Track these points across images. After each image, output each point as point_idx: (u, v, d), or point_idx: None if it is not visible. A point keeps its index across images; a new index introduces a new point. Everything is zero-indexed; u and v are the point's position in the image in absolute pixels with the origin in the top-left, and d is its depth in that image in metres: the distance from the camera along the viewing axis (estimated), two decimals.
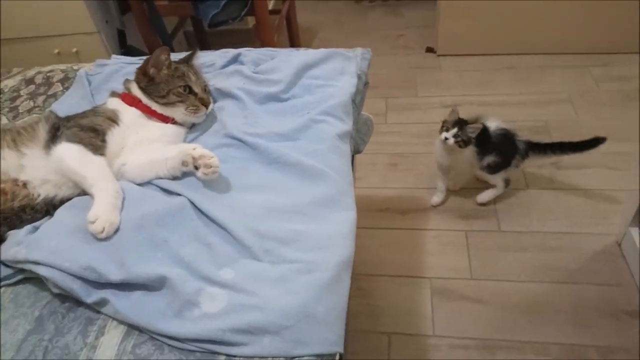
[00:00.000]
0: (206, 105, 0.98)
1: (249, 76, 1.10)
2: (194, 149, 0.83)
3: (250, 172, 0.88)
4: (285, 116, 1.01)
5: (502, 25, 2.39)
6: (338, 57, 1.17)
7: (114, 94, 1.00)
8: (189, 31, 2.84)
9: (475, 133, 1.52)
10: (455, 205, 1.77)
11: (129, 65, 1.22)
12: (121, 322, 0.70)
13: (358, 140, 1.33)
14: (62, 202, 0.84)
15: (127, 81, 1.01)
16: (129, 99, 0.96)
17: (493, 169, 1.65)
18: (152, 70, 0.96)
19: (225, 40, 2.58)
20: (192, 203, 0.79)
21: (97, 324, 0.70)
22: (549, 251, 1.58)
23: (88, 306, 0.72)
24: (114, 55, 1.31)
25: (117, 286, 0.71)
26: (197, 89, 0.98)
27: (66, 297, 0.73)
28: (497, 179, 1.70)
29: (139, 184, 0.86)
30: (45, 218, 0.83)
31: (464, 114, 1.58)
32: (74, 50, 2.12)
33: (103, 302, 0.70)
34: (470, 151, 1.57)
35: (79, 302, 0.72)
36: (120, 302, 0.69)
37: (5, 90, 1.27)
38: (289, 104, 1.04)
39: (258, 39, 2.14)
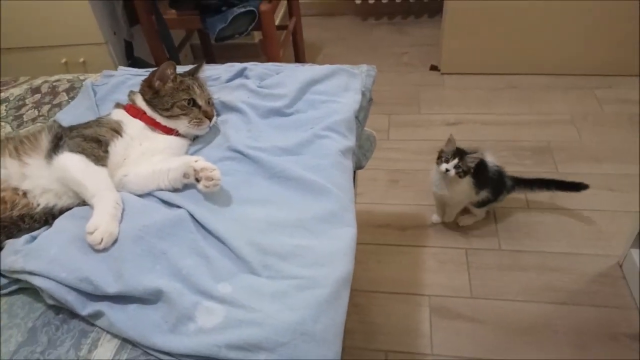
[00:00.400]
0: (210, 118, 0.99)
1: (254, 90, 1.11)
2: (196, 161, 0.84)
3: (252, 186, 0.88)
4: (288, 131, 1.02)
5: (506, 45, 2.41)
6: (343, 73, 1.18)
7: (118, 105, 1.01)
8: (196, 44, 2.87)
9: (475, 163, 1.52)
10: (456, 223, 1.77)
11: (135, 77, 1.23)
12: (115, 335, 0.69)
13: (360, 156, 1.33)
14: (62, 211, 0.84)
15: (131, 93, 1.02)
16: (134, 111, 0.97)
17: (483, 204, 1.67)
18: (157, 83, 0.98)
19: (231, 54, 2.61)
20: (192, 216, 0.80)
21: (90, 337, 0.69)
22: (549, 271, 1.57)
23: (82, 318, 0.71)
24: (120, 67, 1.32)
25: (113, 298, 0.70)
26: (201, 102, 0.99)
27: (60, 309, 0.73)
28: (482, 211, 1.72)
29: (140, 195, 0.86)
30: (44, 228, 0.83)
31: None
32: (81, 60, 2.14)
33: (98, 315, 0.70)
34: (467, 183, 1.57)
35: (73, 314, 0.72)
36: (115, 314, 0.69)
37: (11, 99, 1.28)
38: (293, 118, 1.05)
39: (264, 53, 2.17)
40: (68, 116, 1.12)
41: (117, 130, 0.91)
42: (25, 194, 0.83)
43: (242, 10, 1.91)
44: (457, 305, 1.51)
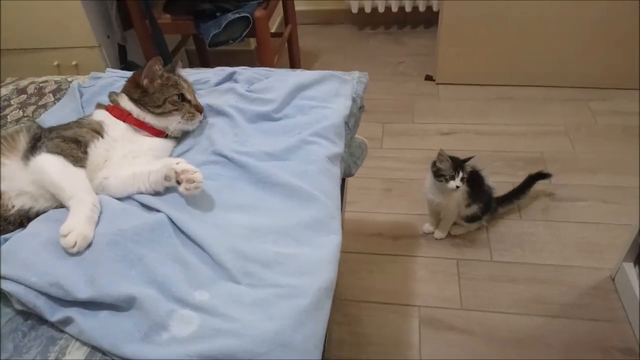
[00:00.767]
0: (200, 112, 1.00)
1: (242, 94, 1.09)
2: (177, 163, 0.82)
3: (236, 191, 0.86)
4: (276, 136, 1.00)
5: (501, 56, 2.41)
6: (334, 79, 1.17)
7: (100, 106, 0.99)
8: (192, 50, 2.86)
9: (471, 166, 1.51)
10: (447, 232, 1.75)
11: (123, 78, 1.20)
12: (85, 343, 0.66)
13: (350, 163, 1.31)
14: (38, 214, 0.81)
15: (113, 94, 1.00)
16: (117, 112, 0.95)
17: (472, 219, 1.66)
18: (145, 82, 0.96)
19: (226, 61, 2.59)
20: (172, 220, 0.77)
21: (59, 344, 0.67)
22: (541, 283, 1.55)
23: (52, 325, 0.69)
24: (108, 69, 1.31)
25: (84, 305, 0.67)
26: (190, 97, 0.99)
27: (30, 314, 0.70)
28: (471, 225, 1.72)
29: (119, 199, 0.84)
30: (17, 230, 0.80)
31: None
32: (74, 63, 2.12)
33: (67, 321, 0.67)
34: (462, 192, 1.56)
35: (43, 320, 0.69)
36: (86, 321, 0.66)
37: None
38: (281, 123, 1.03)
39: (259, 60, 2.16)
40: (53, 117, 1.09)
41: (97, 131, 0.89)
42: None
43: (237, 16, 1.90)
44: (448, 316, 1.48)
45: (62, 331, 0.69)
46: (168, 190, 0.85)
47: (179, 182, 0.81)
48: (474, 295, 1.53)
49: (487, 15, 2.29)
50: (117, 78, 1.22)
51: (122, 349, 0.62)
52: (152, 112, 0.95)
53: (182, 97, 0.98)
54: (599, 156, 2.01)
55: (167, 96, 0.95)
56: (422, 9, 2.97)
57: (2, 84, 1.34)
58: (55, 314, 0.67)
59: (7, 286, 0.69)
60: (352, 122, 1.17)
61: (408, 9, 2.98)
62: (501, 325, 1.45)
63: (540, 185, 1.89)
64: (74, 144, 0.84)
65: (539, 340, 1.39)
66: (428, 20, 3.14)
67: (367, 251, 1.72)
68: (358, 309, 1.53)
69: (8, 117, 1.19)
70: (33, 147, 0.83)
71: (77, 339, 0.67)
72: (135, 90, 0.97)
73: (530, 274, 1.58)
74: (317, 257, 0.76)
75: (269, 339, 0.62)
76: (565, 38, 2.28)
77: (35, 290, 0.68)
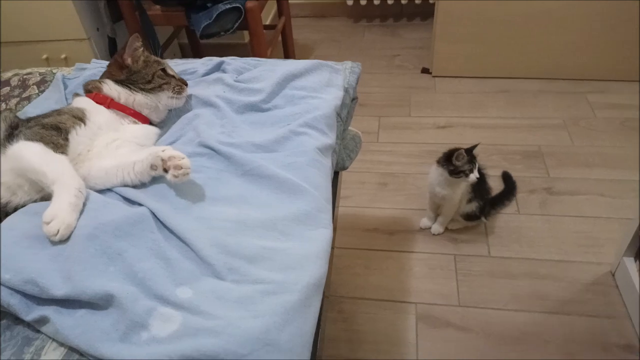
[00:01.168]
0: (186, 84, 1.01)
1: (230, 84, 1.05)
2: (163, 150, 0.78)
3: (223, 184, 0.82)
4: (264, 127, 0.96)
5: (498, 48, 2.37)
6: (325, 68, 1.13)
7: (77, 94, 0.95)
8: (184, 43, 2.82)
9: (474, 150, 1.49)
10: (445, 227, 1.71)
11: None
12: (61, 343, 0.63)
13: (344, 156, 1.28)
14: (16, 209, 0.77)
15: (92, 82, 0.96)
16: (100, 98, 0.92)
17: (469, 217, 1.64)
18: (129, 60, 0.96)
19: (220, 54, 2.54)
20: (155, 214, 0.74)
21: (34, 345, 0.63)
22: (540, 279, 1.52)
23: (28, 324, 0.65)
24: (94, 60, 1.27)
25: (61, 303, 0.64)
26: (171, 72, 1.00)
27: (5, 314, 0.66)
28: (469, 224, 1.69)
29: (100, 191, 0.80)
30: None
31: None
32: (63, 56, 2.08)
33: (43, 321, 0.63)
34: (466, 185, 1.53)
35: (18, 320, 0.66)
36: (62, 320, 0.62)
37: None
38: (270, 114, 0.99)
39: (252, 53, 2.12)
40: (36, 110, 1.05)
41: (80, 118, 0.85)
42: None
43: (228, 6, 1.86)
44: (445, 313, 1.45)
45: (38, 331, 0.65)
46: (152, 182, 0.82)
47: (166, 170, 0.78)
48: (472, 292, 1.50)
49: (483, 7, 2.25)
50: (102, 69, 1.17)
51: (100, 349, 0.59)
52: (144, 89, 0.95)
53: (165, 72, 0.98)
54: (597, 149, 1.98)
55: (153, 71, 0.96)
56: (418, 1, 2.93)
57: None
58: (31, 313, 0.64)
59: None
60: (344, 114, 1.13)
61: (404, 1, 2.94)
62: (499, 321, 1.42)
63: (537, 179, 1.87)
64: (54, 130, 0.81)
65: (538, 337, 1.37)
66: (424, 12, 3.10)
67: (362, 247, 1.69)
68: (353, 306, 1.50)
69: None
70: (10, 136, 0.80)
71: (53, 339, 0.64)
72: (120, 71, 0.95)
73: (528, 270, 1.55)
74: (306, 252, 0.72)
75: (253, 338, 0.59)
76: (563, 29, 2.25)
77: (9, 288, 0.65)
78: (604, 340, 1.35)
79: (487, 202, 1.63)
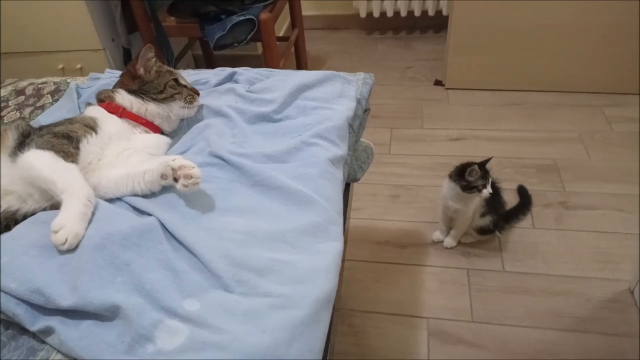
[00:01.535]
0: (197, 94, 1.01)
1: (242, 95, 1.05)
2: (174, 159, 0.78)
3: (233, 194, 0.82)
4: (275, 137, 0.96)
5: (512, 61, 2.35)
6: (337, 79, 1.13)
7: (90, 104, 0.96)
8: (198, 55, 2.85)
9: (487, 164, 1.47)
10: (457, 240, 1.69)
11: None
12: (66, 355, 0.62)
13: (356, 167, 1.27)
14: (25, 217, 0.77)
15: (105, 91, 0.97)
16: (112, 107, 0.92)
17: (482, 231, 1.61)
18: (141, 71, 0.96)
19: (233, 65, 2.55)
20: (163, 225, 0.73)
21: (39, 356, 0.62)
22: (555, 295, 1.49)
23: (33, 335, 0.64)
24: (107, 70, 1.28)
25: (66, 313, 0.63)
26: (183, 82, 1.00)
27: (11, 323, 0.66)
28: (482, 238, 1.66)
29: (109, 200, 0.79)
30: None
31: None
32: (78, 66, 2.11)
33: (48, 331, 0.63)
34: (480, 199, 1.51)
35: (23, 330, 0.65)
36: (67, 331, 0.61)
37: None
38: (281, 125, 0.99)
39: (265, 64, 2.12)
40: (49, 119, 1.06)
41: (91, 127, 0.86)
42: None
43: (241, 18, 1.87)
44: (457, 329, 1.42)
45: (43, 342, 0.64)
46: (162, 192, 0.81)
47: (176, 180, 0.77)
48: (485, 307, 1.47)
49: (497, 19, 2.24)
50: (116, 79, 1.18)
51: None
52: (156, 99, 0.95)
53: (177, 82, 0.98)
54: (614, 164, 1.94)
55: (165, 81, 0.96)
56: (431, 13, 2.93)
57: (1, 85, 1.31)
58: (36, 323, 0.63)
59: None
60: (356, 125, 1.12)
61: (417, 13, 2.94)
62: (513, 339, 1.38)
63: (553, 193, 1.83)
64: (65, 139, 0.81)
65: (553, 356, 1.33)
66: (437, 24, 3.09)
67: (373, 259, 1.67)
68: (363, 320, 1.48)
69: (5, 118, 1.16)
70: (21, 144, 0.80)
71: (58, 351, 0.63)
72: (132, 81, 0.96)
73: (543, 286, 1.51)
74: (315, 265, 0.71)
75: (260, 354, 0.57)
76: (578, 42, 2.22)
77: (15, 297, 0.64)
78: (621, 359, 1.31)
79: (501, 216, 1.60)
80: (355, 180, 1.26)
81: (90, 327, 0.62)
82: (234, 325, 0.61)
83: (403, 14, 2.97)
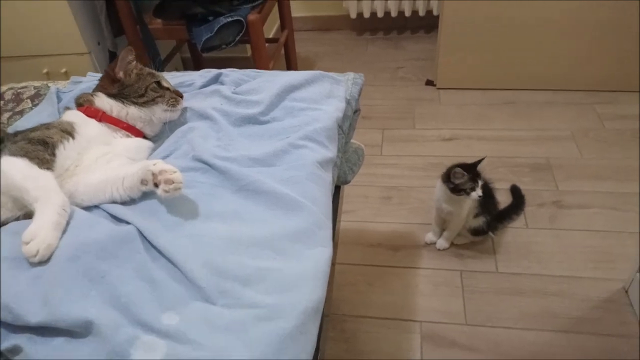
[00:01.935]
0: (181, 97, 0.98)
1: (228, 96, 1.02)
2: (154, 164, 0.75)
3: (216, 200, 0.79)
4: (262, 140, 0.93)
5: (503, 60, 2.34)
6: (326, 80, 1.10)
7: (69, 108, 0.93)
8: (187, 57, 2.81)
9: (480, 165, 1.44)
10: (450, 242, 1.66)
11: None
12: None
13: (346, 169, 1.24)
14: None
15: (85, 95, 0.93)
16: (91, 111, 0.89)
17: (476, 232, 1.58)
18: (121, 74, 0.93)
19: (222, 68, 2.54)
20: (142, 234, 0.70)
21: None
22: (550, 296, 1.47)
23: (2, 354, 0.61)
24: (89, 73, 1.24)
25: (36, 330, 0.59)
26: (166, 84, 0.97)
27: None
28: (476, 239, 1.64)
29: (86, 208, 0.76)
30: None
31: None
32: (63, 70, 2.06)
33: (16, 350, 0.59)
34: (474, 200, 1.48)
35: None
36: (36, 349, 0.58)
37: None
38: (268, 127, 0.96)
39: (254, 66, 2.09)
40: (28, 123, 1.02)
41: (68, 132, 0.82)
42: None
43: (229, 19, 1.84)
44: (451, 332, 1.40)
45: None
46: (142, 198, 0.78)
47: (156, 185, 0.74)
48: (479, 310, 1.45)
49: (488, 18, 2.22)
50: (98, 82, 1.15)
51: None
52: (136, 103, 0.92)
53: (160, 85, 0.95)
54: (607, 162, 1.93)
55: (147, 84, 0.93)
56: (421, 13, 2.91)
57: None
58: (4, 342, 0.59)
59: None
60: (346, 126, 1.10)
61: (407, 13, 2.93)
62: (507, 341, 1.36)
63: (546, 193, 1.82)
64: (40, 145, 0.77)
65: (548, 357, 1.31)
66: (428, 25, 3.08)
67: (365, 262, 1.64)
68: (355, 325, 1.45)
69: None
70: None
71: None
72: (112, 85, 0.92)
73: (538, 286, 1.50)
74: (303, 273, 0.68)
75: None
76: (569, 40, 2.21)
77: None
78: None
79: (495, 216, 1.58)
80: (346, 182, 1.24)
81: (61, 345, 0.58)
82: (216, 339, 0.58)
83: (394, 14, 2.95)
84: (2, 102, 1.20)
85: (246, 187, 0.80)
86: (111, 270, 0.64)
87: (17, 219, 0.75)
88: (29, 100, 1.19)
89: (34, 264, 0.65)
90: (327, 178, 0.89)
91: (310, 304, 0.64)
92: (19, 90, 1.24)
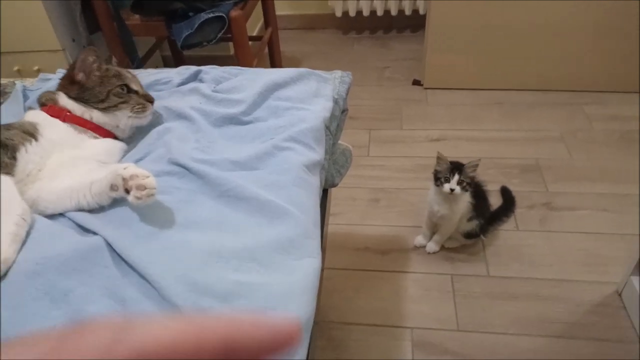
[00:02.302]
0: (151, 102, 0.88)
1: (207, 95, 0.95)
2: (125, 168, 0.68)
3: (194, 207, 0.72)
4: (244, 141, 0.86)
5: (491, 60, 2.31)
6: (312, 77, 1.04)
7: (31, 108, 0.85)
8: (167, 55, 2.73)
9: (475, 170, 1.39)
10: (441, 245, 1.62)
11: None
12: None
13: (334, 172, 1.18)
14: None
15: (47, 93, 0.86)
16: (55, 111, 0.81)
17: (469, 235, 1.55)
18: (80, 76, 0.84)
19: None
20: (111, 245, 0.63)
21: None
22: (542, 300, 1.43)
23: None
24: (59, 69, 1.16)
25: None
26: (135, 87, 0.88)
27: None
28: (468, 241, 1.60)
29: (50, 217, 0.69)
30: None
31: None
32: (36, 68, 1.97)
33: None
34: (467, 204, 1.44)
35: None
36: None
37: None
38: (251, 127, 0.89)
39: (238, 64, 2.02)
40: None
41: (30, 133, 0.75)
42: None
43: (210, 15, 1.77)
44: (443, 339, 1.35)
45: None
46: (112, 206, 0.71)
47: (127, 191, 0.67)
48: (471, 315, 1.40)
49: (476, 17, 2.19)
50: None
51: None
52: (98, 108, 0.83)
53: (128, 88, 0.86)
54: (596, 163, 1.91)
55: (110, 88, 0.84)
56: (408, 12, 2.88)
57: None
58: None
59: None
60: (334, 126, 1.04)
61: (394, 12, 2.89)
62: (501, 347, 1.32)
63: (536, 194, 1.79)
64: None
65: None
66: (414, 24, 3.05)
67: (353, 267, 1.59)
68: (344, 332, 1.39)
69: None
70: None
71: None
72: (71, 87, 0.83)
73: (530, 290, 1.46)
74: (289, 287, 0.62)
75: None
76: (557, 40, 2.19)
77: None
78: None
79: (487, 219, 1.54)
80: (333, 185, 1.18)
81: None
82: None
83: (380, 13, 2.91)
84: None
85: (227, 193, 0.74)
86: (76, 288, 0.57)
87: None
88: None
89: None
90: (315, 182, 0.83)
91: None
92: None
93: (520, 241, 1.62)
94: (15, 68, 1.97)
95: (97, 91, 0.83)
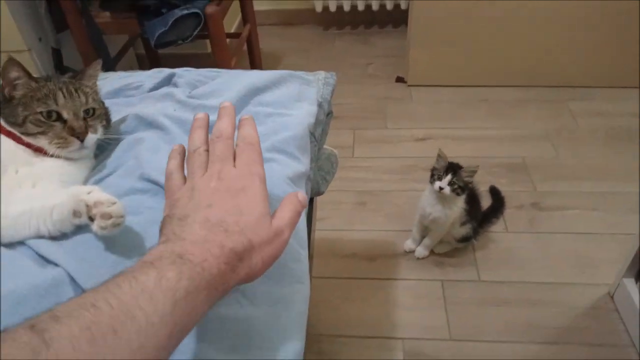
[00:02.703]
0: (79, 137, 0.70)
1: (182, 101, 0.88)
2: (89, 192, 0.59)
3: None
4: None
5: (475, 55, 2.27)
6: (295, 80, 0.97)
7: None
8: (142, 54, 2.62)
9: (472, 177, 1.34)
10: (431, 251, 1.57)
11: None
12: None
13: (319, 179, 1.12)
14: None
15: None
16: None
17: (463, 239, 1.51)
18: (7, 90, 0.69)
19: (181, 65, 2.37)
20: (73, 278, 0.55)
21: None
22: (534, 305, 1.40)
23: None
24: None
25: None
26: (67, 114, 0.70)
27: None
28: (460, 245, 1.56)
29: (7, 246, 0.61)
30: None
31: (436, 148, 1.40)
32: None
33: None
34: (460, 209, 1.40)
35: None
36: None
37: None
38: None
39: (216, 64, 1.94)
40: None
41: None
42: None
43: (185, 12, 1.68)
44: (435, 349, 1.31)
45: None
46: (79, 230, 0.63)
47: (91, 219, 0.59)
48: (463, 323, 1.36)
49: (459, 13, 2.15)
50: None
51: None
52: (17, 130, 0.69)
53: (57, 116, 0.69)
54: (583, 161, 1.89)
55: (28, 113, 0.68)
56: (389, 7, 2.83)
57: None
58: None
59: None
60: (318, 132, 0.97)
61: (375, 7, 2.83)
62: (495, 356, 1.28)
63: (524, 194, 1.76)
64: None
65: None
66: (396, 19, 2.99)
67: (340, 275, 1.53)
68: (333, 345, 1.34)
69: None
70: None
71: None
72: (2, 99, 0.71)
73: (521, 295, 1.43)
74: (276, 321, 0.56)
75: None
76: (540, 35, 2.17)
77: None
78: None
79: (479, 222, 1.50)
80: (319, 194, 1.12)
81: None
82: None
83: (361, 8, 2.85)
84: None
85: None
86: None
87: None
88: None
89: None
90: None
91: None
92: None
93: (510, 243, 1.59)
94: None
95: (17, 112, 0.68)
